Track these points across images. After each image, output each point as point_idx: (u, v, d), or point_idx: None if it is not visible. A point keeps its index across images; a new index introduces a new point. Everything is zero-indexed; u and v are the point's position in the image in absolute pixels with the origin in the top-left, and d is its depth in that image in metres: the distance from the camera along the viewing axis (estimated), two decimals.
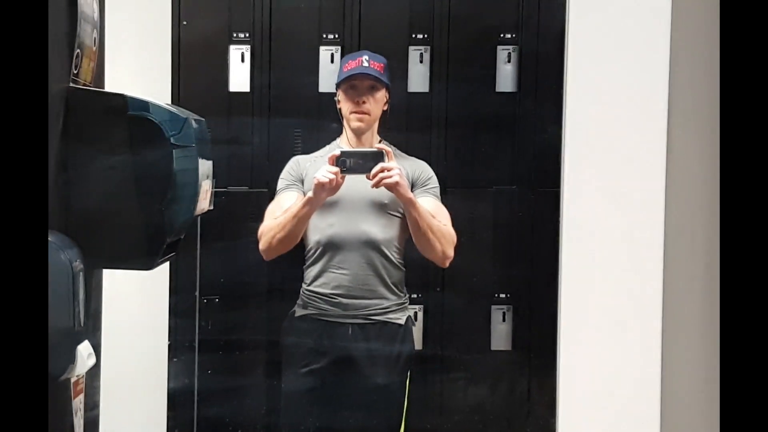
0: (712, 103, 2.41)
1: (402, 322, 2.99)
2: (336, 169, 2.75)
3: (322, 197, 2.78)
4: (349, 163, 2.75)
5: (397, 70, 3.40)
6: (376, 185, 2.75)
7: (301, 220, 2.85)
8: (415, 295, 3.47)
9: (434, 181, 3.01)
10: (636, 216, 2.41)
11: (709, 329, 2.42)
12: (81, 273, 1.60)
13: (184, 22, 3.44)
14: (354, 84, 2.96)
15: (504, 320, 3.54)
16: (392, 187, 2.77)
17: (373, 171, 2.74)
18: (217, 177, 2.26)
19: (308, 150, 3.15)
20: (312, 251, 2.98)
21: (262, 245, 2.93)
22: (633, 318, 2.40)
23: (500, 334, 3.54)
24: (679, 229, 2.42)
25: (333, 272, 2.94)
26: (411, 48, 3.50)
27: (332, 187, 2.75)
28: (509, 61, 3.50)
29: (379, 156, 2.76)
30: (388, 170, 2.74)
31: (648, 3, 2.41)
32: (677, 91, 2.42)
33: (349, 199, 2.90)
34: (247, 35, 3.48)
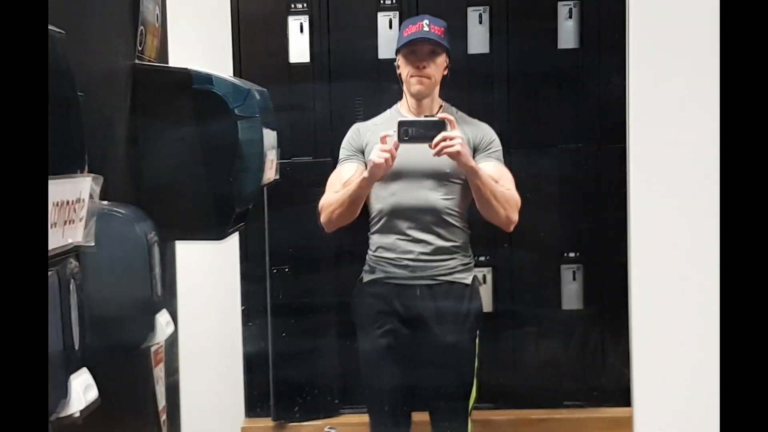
0: None
1: (468, 282, 3.01)
2: (389, 147, 2.74)
3: (378, 176, 2.80)
4: (411, 132, 2.74)
5: (457, 32, 3.38)
6: (438, 154, 2.75)
7: (359, 197, 2.88)
8: (483, 258, 3.47)
9: (497, 144, 2.99)
10: (702, 167, 2.37)
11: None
12: (156, 244, 1.63)
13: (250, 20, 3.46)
14: (414, 49, 2.94)
15: (574, 279, 3.51)
16: (454, 156, 2.76)
17: (435, 140, 2.73)
18: (281, 148, 2.29)
19: (370, 117, 3.15)
20: (376, 219, 3.00)
21: (323, 219, 2.97)
22: (698, 270, 2.38)
23: (571, 292, 3.52)
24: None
25: (398, 238, 2.96)
26: (470, 9, 3.47)
27: (387, 166, 2.75)
28: (570, 17, 3.45)
29: (441, 125, 2.75)
30: (450, 139, 2.73)
31: None
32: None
33: (411, 168, 2.91)
34: (305, 5, 3.49)
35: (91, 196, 1.21)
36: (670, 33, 2.37)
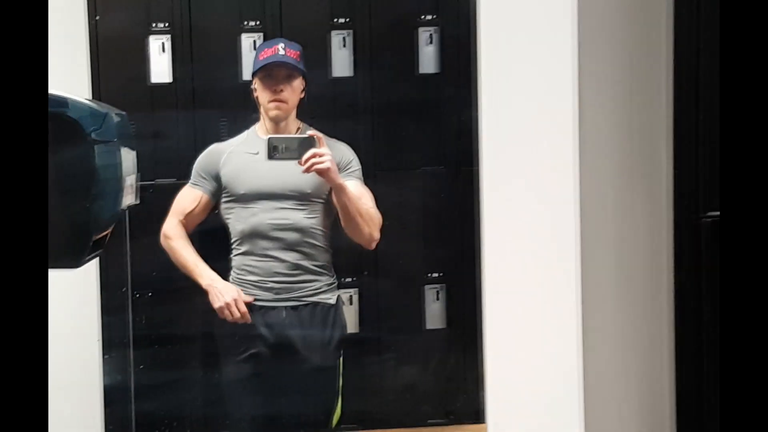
0: (623, 79, 2.48)
1: (333, 302, 3.04)
2: (245, 310, 2.94)
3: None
4: (280, 149, 2.77)
5: (321, 55, 3.42)
6: (308, 170, 2.78)
7: (187, 273, 3.03)
8: (349, 279, 3.50)
9: (356, 164, 3.04)
10: (550, 192, 2.47)
11: (627, 296, 2.50)
12: None
13: (97, 17, 3.40)
14: (271, 73, 2.97)
15: (437, 299, 3.59)
16: (324, 173, 2.80)
17: (305, 157, 2.76)
18: (143, 170, 2.25)
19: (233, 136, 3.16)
20: (238, 240, 3.00)
21: (162, 244, 3.06)
22: (552, 292, 2.46)
23: (434, 312, 3.59)
24: (594, 202, 2.49)
25: (261, 260, 2.96)
26: (333, 33, 3.52)
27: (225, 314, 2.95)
28: (431, 43, 3.54)
29: (310, 142, 2.78)
30: (320, 156, 2.77)
31: None
32: (587, 70, 2.48)
33: (272, 188, 2.94)
34: (167, 25, 3.46)
35: None
36: (521, 55, 2.46)
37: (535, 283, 2.46)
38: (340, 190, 2.85)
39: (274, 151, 2.77)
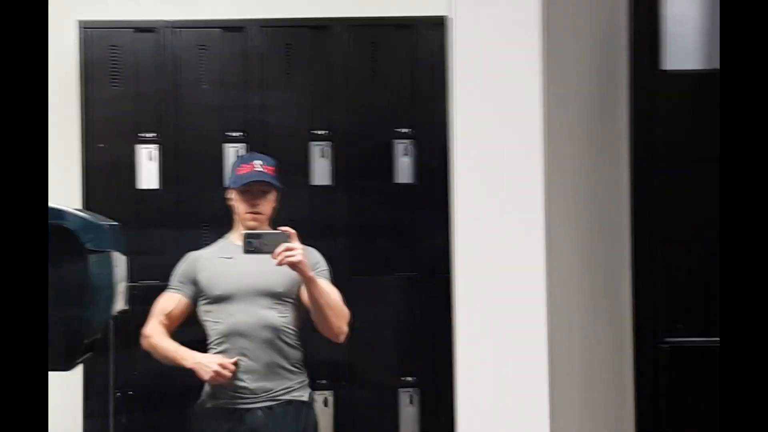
0: (588, 206, 2.63)
1: (306, 398, 3.14)
2: (233, 367, 3.03)
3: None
4: (255, 244, 2.92)
5: (300, 165, 3.58)
6: (280, 263, 2.91)
7: (170, 363, 3.12)
8: (324, 381, 3.58)
9: (323, 264, 3.18)
10: (520, 299, 2.59)
11: (591, 394, 2.60)
12: None
13: (100, 145, 3.55)
14: (249, 188, 3.14)
15: (411, 402, 3.65)
16: (295, 266, 2.93)
17: (277, 250, 2.90)
18: (129, 272, 2.36)
19: (215, 240, 3.28)
20: (215, 341, 3.10)
21: (143, 344, 3.16)
22: (524, 400, 2.56)
23: (408, 416, 3.65)
24: (562, 318, 2.62)
25: (239, 360, 3.06)
26: (312, 143, 3.67)
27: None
28: (406, 154, 3.69)
29: (282, 237, 2.92)
30: (291, 250, 2.90)
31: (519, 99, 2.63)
32: (555, 191, 2.63)
33: (245, 288, 3.09)
34: (156, 135, 3.61)
35: None
36: (492, 169, 2.61)
37: (506, 388, 2.56)
38: (311, 283, 2.98)
39: (249, 245, 2.92)
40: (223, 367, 3.01)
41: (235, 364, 3.04)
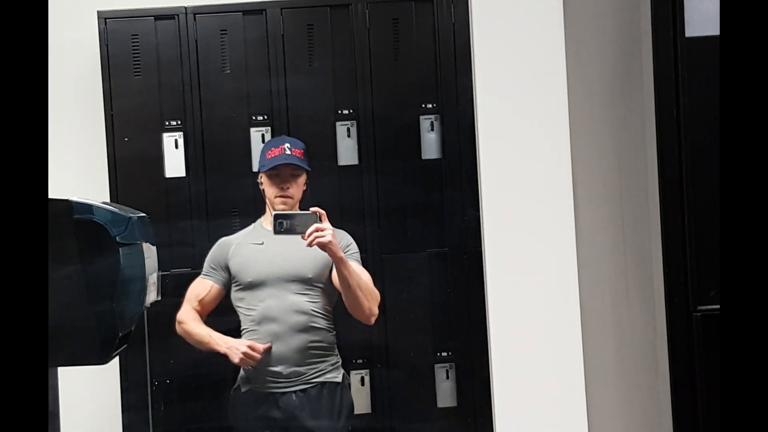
0: (615, 166, 2.60)
1: (339, 380, 3.15)
2: (261, 348, 3.04)
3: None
4: (285, 225, 2.92)
5: (327, 145, 3.57)
6: (310, 244, 2.91)
7: (205, 347, 3.14)
8: (360, 360, 3.59)
9: (354, 247, 3.18)
10: (551, 272, 2.57)
11: (627, 378, 2.58)
12: None
13: (125, 139, 3.56)
14: (278, 172, 3.14)
15: (447, 377, 3.66)
16: (325, 246, 2.92)
17: (308, 231, 2.90)
18: (160, 261, 2.37)
19: (245, 226, 3.29)
20: (248, 327, 3.12)
21: (178, 330, 3.18)
22: (557, 369, 2.55)
23: (445, 391, 3.66)
24: (593, 284, 2.60)
25: (270, 344, 3.07)
26: (338, 123, 3.65)
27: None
28: (432, 130, 3.67)
29: (313, 217, 2.92)
30: (322, 230, 2.90)
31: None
32: (580, 159, 2.61)
33: (276, 276, 3.09)
34: (179, 122, 3.61)
35: None
36: (518, 139, 2.59)
37: (540, 361, 2.55)
38: (341, 263, 2.98)
39: (279, 226, 2.92)
40: (252, 349, 3.02)
41: (267, 349, 3.06)
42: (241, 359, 3.02)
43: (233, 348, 3.05)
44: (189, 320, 3.14)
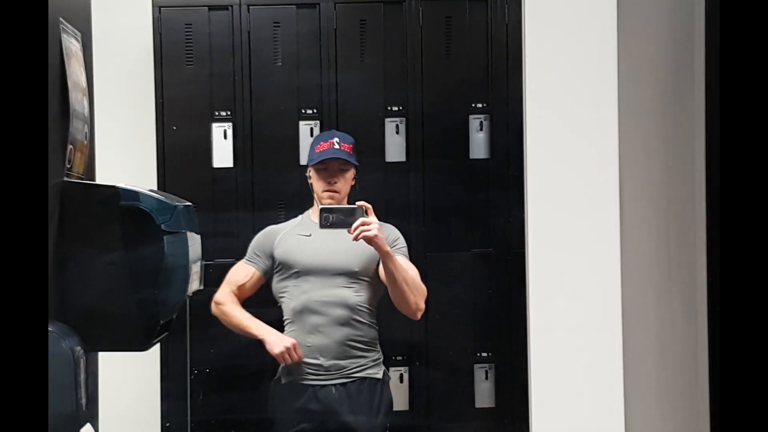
0: (662, 173, 2.56)
1: (380, 376, 3.14)
2: (301, 353, 3.07)
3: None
4: (331, 219, 2.93)
5: (375, 141, 3.57)
6: (356, 238, 2.91)
7: (242, 333, 3.16)
8: (400, 357, 3.58)
9: (402, 242, 3.18)
10: (594, 276, 2.55)
11: (667, 388, 2.54)
12: (82, 359, 1.70)
13: (174, 127, 3.59)
14: (326, 166, 3.13)
15: (486, 378, 3.64)
16: (371, 240, 2.92)
17: (354, 225, 2.90)
18: (205, 251, 2.38)
19: (289, 218, 3.30)
20: (289, 318, 3.12)
21: (213, 311, 3.19)
22: (597, 373, 2.53)
23: (483, 391, 3.64)
24: (635, 288, 2.56)
25: (311, 336, 3.07)
26: (387, 120, 3.65)
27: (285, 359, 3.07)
28: (481, 130, 3.65)
29: (359, 211, 2.92)
30: (368, 224, 2.89)
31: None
32: (627, 164, 2.57)
33: (322, 267, 3.10)
34: (229, 113, 3.63)
35: None
36: (566, 141, 2.56)
37: (579, 365, 2.52)
38: (387, 257, 2.97)
39: (325, 220, 2.93)
40: (294, 349, 3.03)
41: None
42: (282, 353, 3.03)
43: (273, 339, 3.05)
44: (227, 302, 3.15)
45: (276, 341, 3.05)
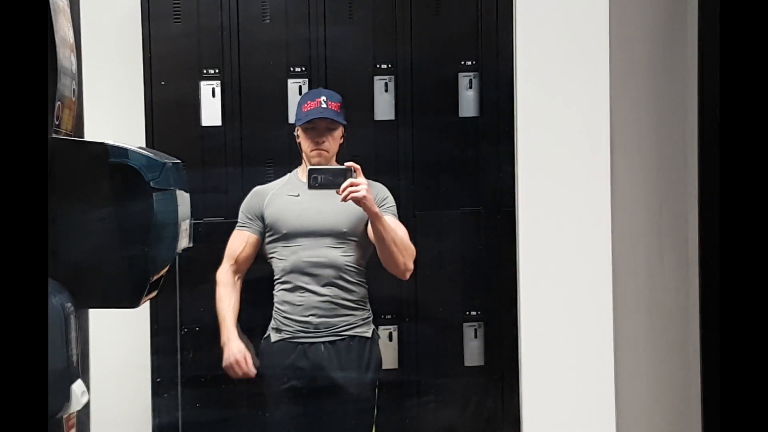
0: (654, 130, 2.56)
1: (369, 335, 3.16)
2: (251, 370, 3.11)
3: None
4: (320, 179, 2.93)
5: (364, 99, 3.54)
6: (345, 199, 2.91)
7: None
8: (389, 316, 3.59)
9: (390, 201, 3.18)
10: (584, 234, 2.55)
11: (657, 340, 2.56)
12: (72, 315, 1.70)
13: (162, 83, 3.55)
14: (314, 125, 3.12)
15: (476, 336, 3.65)
16: (360, 201, 2.93)
17: (342, 186, 2.90)
18: (193, 208, 2.37)
19: (279, 177, 3.28)
20: (279, 277, 3.13)
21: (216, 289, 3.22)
22: (587, 330, 2.54)
23: (473, 350, 3.66)
24: (626, 245, 2.57)
25: (301, 294, 3.08)
26: (376, 78, 3.62)
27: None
28: (471, 87, 3.63)
29: (347, 172, 2.92)
30: (356, 185, 2.89)
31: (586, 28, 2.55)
32: (619, 116, 2.57)
33: (310, 227, 3.11)
34: (217, 71, 3.60)
35: None
36: (557, 98, 2.55)
37: (570, 323, 2.53)
38: (376, 218, 2.97)
39: (314, 181, 2.93)
40: (239, 363, 3.08)
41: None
42: (229, 365, 3.09)
43: (228, 348, 3.10)
44: (222, 285, 3.18)
45: (228, 353, 3.09)
